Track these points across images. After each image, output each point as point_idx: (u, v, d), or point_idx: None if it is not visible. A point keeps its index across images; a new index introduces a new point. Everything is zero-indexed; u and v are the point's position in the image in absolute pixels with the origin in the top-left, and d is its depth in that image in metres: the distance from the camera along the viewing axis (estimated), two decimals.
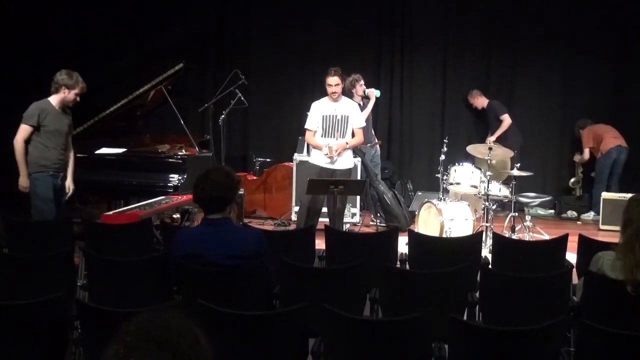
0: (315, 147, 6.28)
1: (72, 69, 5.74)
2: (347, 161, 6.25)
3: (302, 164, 7.66)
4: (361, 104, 7.88)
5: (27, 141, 5.51)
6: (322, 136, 6.18)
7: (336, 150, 6.07)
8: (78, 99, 5.73)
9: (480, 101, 8.90)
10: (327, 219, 6.21)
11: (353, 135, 6.28)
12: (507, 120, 8.64)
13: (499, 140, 8.42)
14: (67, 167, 5.79)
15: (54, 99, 5.63)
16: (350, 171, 6.40)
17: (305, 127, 6.31)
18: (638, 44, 8.72)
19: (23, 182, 5.54)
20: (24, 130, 5.50)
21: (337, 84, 6.05)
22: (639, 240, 3.11)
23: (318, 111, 6.18)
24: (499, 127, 8.66)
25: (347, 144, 6.16)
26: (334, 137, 6.13)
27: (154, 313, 1.67)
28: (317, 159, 6.24)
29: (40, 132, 5.52)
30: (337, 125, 6.13)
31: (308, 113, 6.40)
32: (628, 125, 8.62)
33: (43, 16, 8.65)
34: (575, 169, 8.95)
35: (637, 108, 8.73)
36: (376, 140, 8.17)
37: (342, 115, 6.13)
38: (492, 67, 9.29)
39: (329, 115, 6.14)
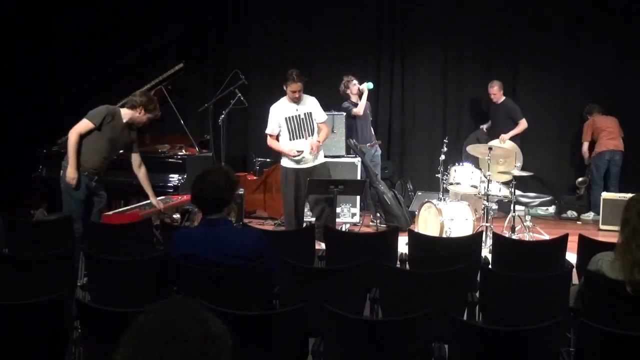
0: (281, 152, 6.18)
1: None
2: (319, 156, 6.20)
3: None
4: (358, 102, 7.91)
5: (81, 137, 5.31)
6: (289, 139, 6.06)
7: (313, 151, 6.00)
8: (147, 123, 5.65)
9: (499, 95, 8.66)
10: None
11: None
12: (524, 124, 8.49)
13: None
14: (148, 187, 5.64)
15: (125, 112, 5.47)
16: (325, 164, 6.29)
17: (267, 132, 6.16)
18: (638, 43, 8.72)
19: (71, 173, 5.26)
20: (84, 125, 5.28)
21: (301, 90, 6.00)
22: (636, 240, 3.12)
23: (279, 114, 6.07)
24: (510, 126, 8.53)
25: (319, 142, 6.08)
26: (302, 137, 6.05)
27: (162, 308, 1.53)
28: (290, 161, 6.15)
29: (95, 134, 5.33)
30: (302, 124, 6.06)
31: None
32: (628, 124, 8.62)
33: (43, 17, 8.66)
34: (586, 171, 8.78)
35: (637, 107, 8.73)
36: (376, 140, 8.18)
37: (304, 113, 6.07)
38: (492, 66, 9.28)
39: (292, 116, 6.05)
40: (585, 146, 8.62)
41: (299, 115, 6.04)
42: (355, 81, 7.97)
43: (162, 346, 1.44)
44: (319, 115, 6.14)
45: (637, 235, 3.12)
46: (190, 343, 1.46)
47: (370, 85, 7.96)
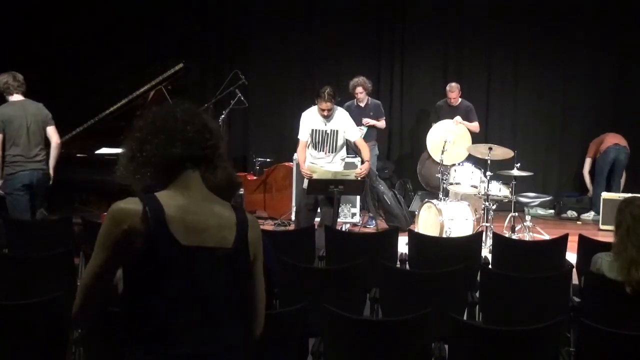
0: (299, 164, 6.25)
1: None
2: (338, 165, 6.26)
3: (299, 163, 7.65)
4: (362, 104, 7.89)
5: None
6: (314, 148, 6.15)
7: (361, 175, 6.05)
8: None
9: (458, 98, 8.42)
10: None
11: (347, 147, 6.28)
12: (477, 127, 8.23)
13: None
14: None
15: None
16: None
17: (299, 137, 6.23)
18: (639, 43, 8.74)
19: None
20: None
21: (330, 109, 6.03)
22: (630, 239, 3.19)
23: (308, 124, 6.13)
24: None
25: (368, 162, 6.17)
26: (323, 151, 6.12)
27: (161, 108, 1.96)
28: (312, 165, 6.21)
29: None
30: (326, 140, 6.09)
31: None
32: (629, 125, 8.63)
33: (43, 17, 8.66)
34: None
35: (638, 108, 8.73)
36: (374, 141, 8.16)
37: (331, 130, 6.09)
38: (493, 67, 9.29)
39: (318, 130, 6.10)
40: (587, 163, 8.61)
41: (325, 131, 6.09)
42: (361, 89, 7.84)
43: (163, 139, 1.89)
44: (350, 133, 6.15)
45: (632, 234, 3.19)
46: (187, 133, 1.91)
47: (362, 133, 7.75)
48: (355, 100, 7.93)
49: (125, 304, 1.90)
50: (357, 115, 7.84)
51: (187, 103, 2.00)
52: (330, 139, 6.09)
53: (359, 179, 6.00)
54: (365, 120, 7.73)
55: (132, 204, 1.86)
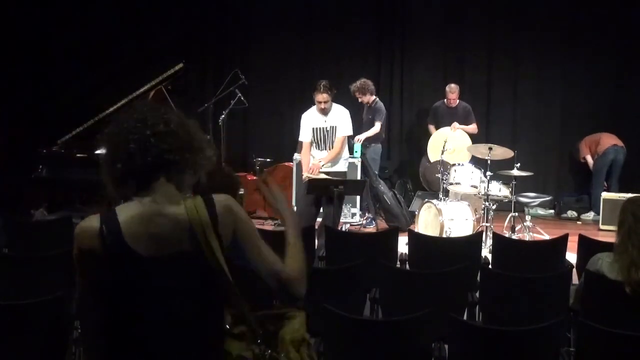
0: (303, 167, 6.26)
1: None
2: (339, 165, 6.26)
3: (302, 164, 7.66)
4: (370, 105, 7.91)
5: None
6: (316, 148, 6.18)
7: (312, 171, 6.03)
8: None
9: (456, 99, 8.51)
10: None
11: (349, 148, 6.31)
12: (476, 129, 8.36)
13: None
14: None
15: None
16: (345, 174, 6.37)
17: (300, 139, 6.26)
18: (639, 43, 8.73)
19: None
20: None
21: (327, 101, 6.01)
22: (632, 240, 3.18)
23: (308, 123, 6.15)
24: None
25: (320, 161, 6.08)
26: (325, 148, 6.14)
27: (120, 118, 1.89)
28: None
29: None
30: (327, 137, 6.12)
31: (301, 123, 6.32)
32: (628, 125, 8.63)
33: (43, 16, 8.66)
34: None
35: (638, 108, 8.73)
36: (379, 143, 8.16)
37: (330, 126, 6.10)
38: (493, 67, 9.28)
39: (319, 128, 6.11)
40: (589, 159, 8.59)
41: (325, 128, 6.10)
42: (358, 93, 7.90)
43: (114, 149, 1.83)
44: (342, 129, 6.14)
45: (633, 235, 3.18)
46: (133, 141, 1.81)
47: (356, 153, 7.73)
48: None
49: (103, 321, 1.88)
50: (367, 113, 8.03)
51: (146, 105, 1.91)
52: (330, 135, 6.11)
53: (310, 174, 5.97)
54: (357, 138, 7.69)
55: (90, 222, 1.83)
